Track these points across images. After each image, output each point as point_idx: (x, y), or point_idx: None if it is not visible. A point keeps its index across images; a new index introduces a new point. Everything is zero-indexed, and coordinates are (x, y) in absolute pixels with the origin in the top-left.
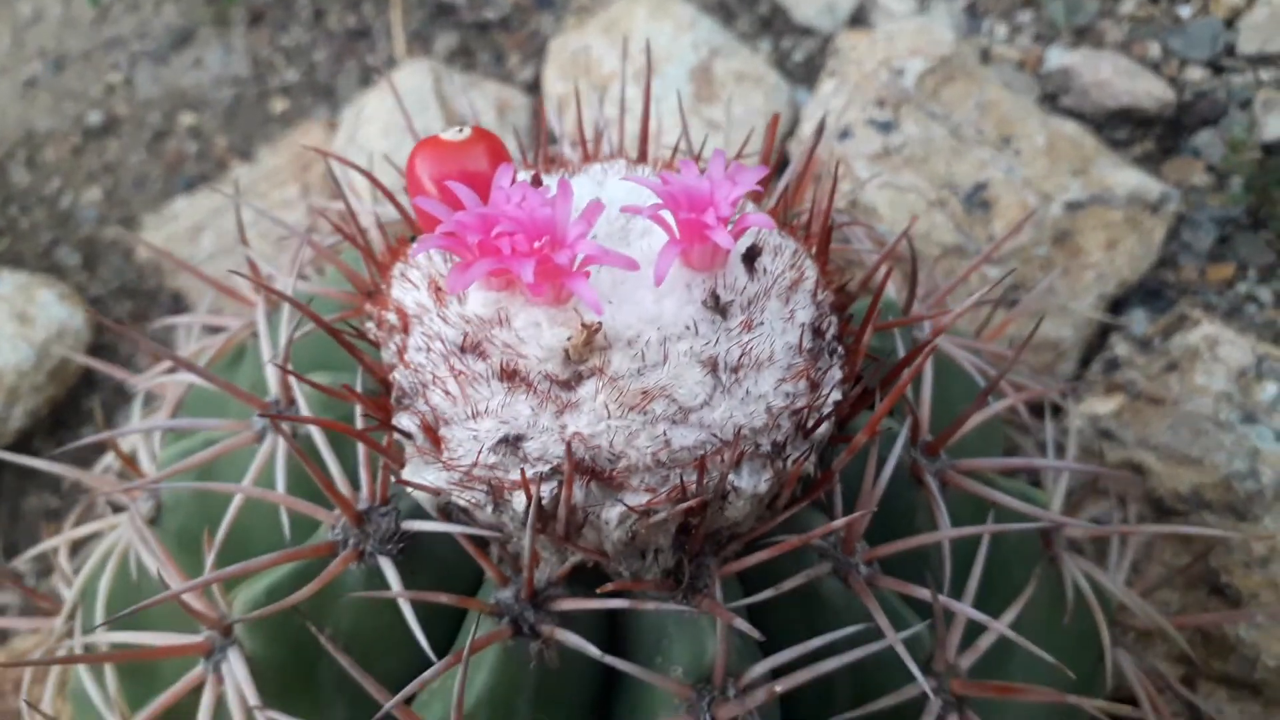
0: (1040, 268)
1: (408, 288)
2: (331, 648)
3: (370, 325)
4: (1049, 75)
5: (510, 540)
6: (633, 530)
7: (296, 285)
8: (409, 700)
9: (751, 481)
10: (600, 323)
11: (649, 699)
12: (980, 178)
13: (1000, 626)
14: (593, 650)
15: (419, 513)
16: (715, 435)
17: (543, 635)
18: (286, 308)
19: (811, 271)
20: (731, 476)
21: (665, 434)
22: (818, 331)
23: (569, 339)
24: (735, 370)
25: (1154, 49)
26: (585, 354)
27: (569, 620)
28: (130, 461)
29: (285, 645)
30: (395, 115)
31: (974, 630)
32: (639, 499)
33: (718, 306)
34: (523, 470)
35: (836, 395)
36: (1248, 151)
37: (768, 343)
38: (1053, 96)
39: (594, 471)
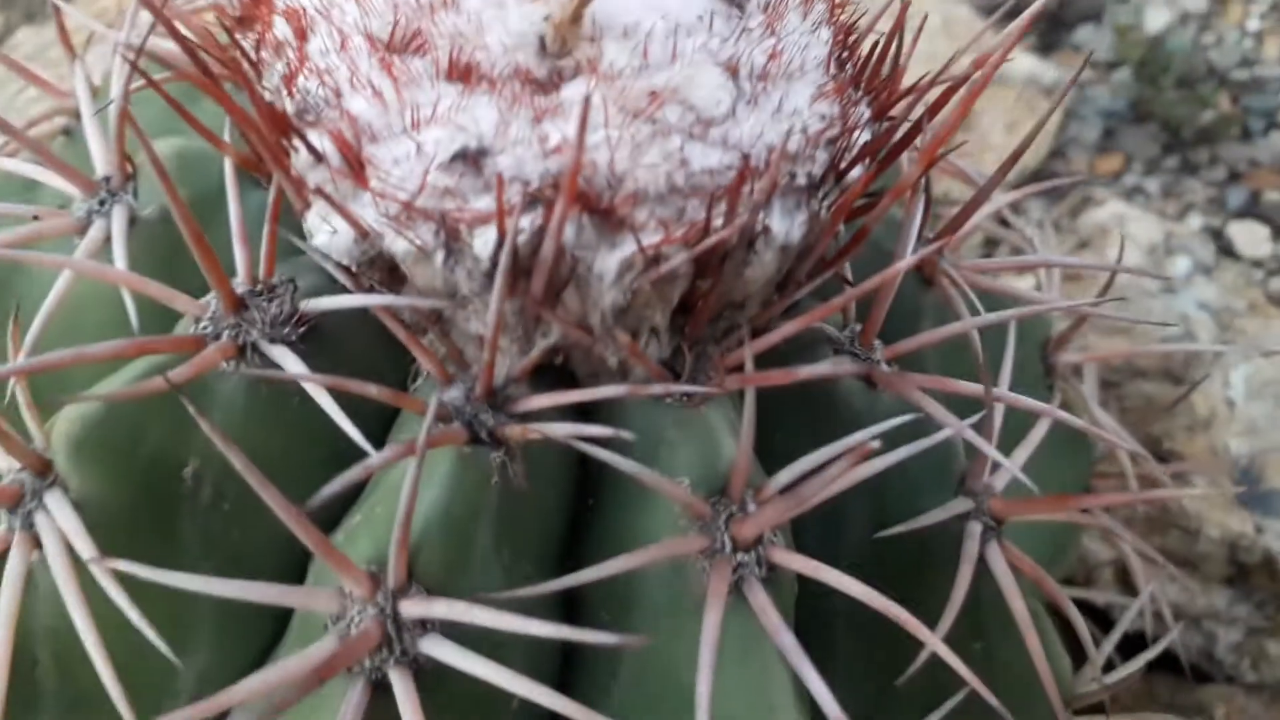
0: None
1: None
2: (221, 441)
3: (249, 49)
4: None
5: (454, 325)
6: (632, 289)
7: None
8: (327, 533)
9: (784, 224)
10: None
11: (643, 524)
12: None
13: (1052, 410)
14: (591, 429)
15: (320, 293)
16: (744, 156)
17: (508, 440)
18: (114, 77)
19: None
20: (762, 214)
21: (682, 150)
22: (840, 62)
23: (546, 18)
24: (762, 78)
25: None
26: (570, 38)
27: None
28: None
29: (130, 483)
30: None
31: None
32: (647, 240)
33: None
34: (500, 183)
35: (866, 135)
36: (1134, 34)
37: (796, 51)
38: None
39: (586, 200)
